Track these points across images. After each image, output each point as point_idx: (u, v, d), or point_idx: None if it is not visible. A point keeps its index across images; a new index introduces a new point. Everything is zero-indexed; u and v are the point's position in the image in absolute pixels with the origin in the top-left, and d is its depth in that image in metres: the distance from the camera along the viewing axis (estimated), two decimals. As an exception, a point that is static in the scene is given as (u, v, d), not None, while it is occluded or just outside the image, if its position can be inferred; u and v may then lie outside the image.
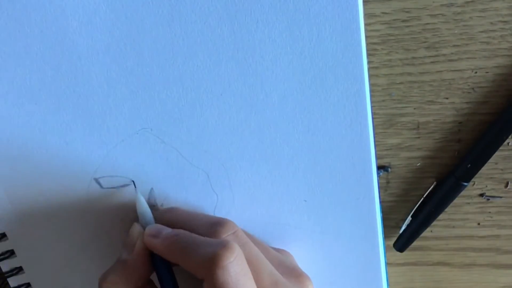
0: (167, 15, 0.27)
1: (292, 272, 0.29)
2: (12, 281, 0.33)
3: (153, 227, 0.28)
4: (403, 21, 0.31)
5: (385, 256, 0.34)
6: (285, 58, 0.28)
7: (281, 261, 0.30)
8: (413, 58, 0.32)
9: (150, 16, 0.27)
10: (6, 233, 0.32)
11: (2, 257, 0.33)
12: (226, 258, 0.25)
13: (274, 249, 0.32)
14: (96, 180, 0.31)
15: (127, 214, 0.31)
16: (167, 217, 0.30)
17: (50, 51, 0.28)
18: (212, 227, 0.28)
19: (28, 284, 0.34)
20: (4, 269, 0.33)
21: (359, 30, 0.27)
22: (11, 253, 0.33)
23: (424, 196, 0.36)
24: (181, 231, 0.28)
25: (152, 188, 0.31)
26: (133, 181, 0.31)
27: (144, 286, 0.28)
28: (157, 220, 0.30)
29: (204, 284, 0.25)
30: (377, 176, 0.32)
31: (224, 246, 0.25)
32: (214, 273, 0.25)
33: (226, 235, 0.27)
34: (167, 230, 0.28)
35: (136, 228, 0.29)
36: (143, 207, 0.29)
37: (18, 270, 0.33)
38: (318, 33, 0.27)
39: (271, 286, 0.27)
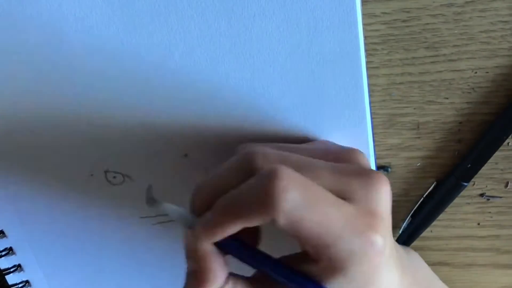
0: (164, 9, 0.27)
1: (357, 170, 0.24)
2: (11, 278, 0.34)
3: (197, 223, 0.24)
4: (403, 21, 0.31)
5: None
6: (282, 51, 0.28)
7: (340, 170, 0.25)
8: (413, 58, 0.32)
9: (146, 11, 0.27)
10: (4, 231, 0.32)
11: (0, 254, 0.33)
12: (275, 187, 0.21)
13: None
14: (95, 177, 0.31)
15: (128, 210, 0.31)
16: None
17: (46, 46, 0.28)
18: (240, 167, 0.24)
19: (27, 282, 0.34)
20: (3, 267, 0.33)
21: (356, 23, 0.27)
22: (9, 250, 0.33)
23: (424, 196, 0.36)
24: (219, 200, 0.24)
25: (150, 185, 0.31)
26: (150, 186, 0.28)
27: (226, 282, 0.25)
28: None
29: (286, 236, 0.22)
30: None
31: (265, 177, 0.22)
32: (276, 209, 0.21)
33: (259, 164, 0.23)
34: (207, 215, 0.24)
35: (187, 235, 0.25)
36: (177, 212, 0.26)
37: (17, 267, 0.33)
38: (316, 26, 0.27)
39: (335, 177, 0.23)
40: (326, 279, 0.23)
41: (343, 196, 0.24)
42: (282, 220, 0.22)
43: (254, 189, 0.22)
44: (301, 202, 0.22)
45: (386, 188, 0.24)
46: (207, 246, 0.24)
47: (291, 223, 0.22)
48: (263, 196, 0.22)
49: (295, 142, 0.30)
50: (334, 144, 0.29)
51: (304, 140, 0.30)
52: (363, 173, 0.24)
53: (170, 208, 0.26)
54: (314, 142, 0.30)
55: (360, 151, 0.26)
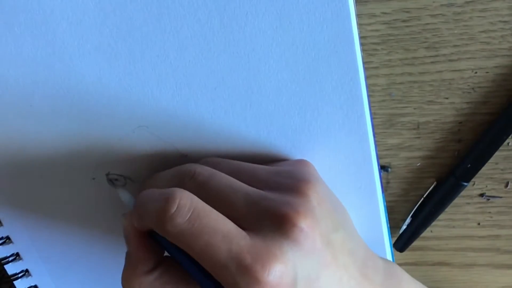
0: (156, 11, 0.27)
1: (288, 182, 0.26)
2: (19, 284, 0.34)
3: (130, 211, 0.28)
4: (403, 21, 0.31)
5: (392, 256, 0.33)
6: (277, 49, 0.28)
7: (276, 173, 0.28)
8: (413, 58, 0.32)
9: (138, 13, 0.27)
10: (10, 237, 0.32)
11: (6, 260, 0.33)
12: (165, 211, 0.24)
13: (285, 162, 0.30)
14: (97, 180, 0.31)
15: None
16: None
17: (41, 52, 0.28)
18: (172, 179, 0.27)
19: (35, 287, 0.34)
20: (10, 272, 0.33)
21: (349, 17, 0.27)
22: (16, 256, 0.33)
23: (424, 196, 0.36)
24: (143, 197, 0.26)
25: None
26: (110, 180, 0.31)
27: (161, 263, 0.27)
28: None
29: None
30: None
31: (164, 198, 0.24)
32: (164, 230, 0.24)
33: (183, 182, 0.26)
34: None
35: (124, 218, 0.28)
36: (126, 196, 0.29)
37: (25, 272, 0.33)
38: (309, 22, 0.27)
39: (247, 208, 0.25)
40: None
41: (252, 226, 0.24)
42: (171, 239, 0.24)
43: (154, 204, 0.25)
44: (186, 229, 0.24)
45: (296, 237, 0.24)
46: (139, 231, 0.26)
47: (179, 243, 0.24)
48: (156, 215, 0.24)
49: (278, 159, 0.30)
50: (305, 168, 0.29)
51: (285, 159, 0.30)
52: (278, 214, 0.24)
53: (122, 192, 0.29)
54: (282, 163, 0.30)
55: (312, 180, 0.26)
